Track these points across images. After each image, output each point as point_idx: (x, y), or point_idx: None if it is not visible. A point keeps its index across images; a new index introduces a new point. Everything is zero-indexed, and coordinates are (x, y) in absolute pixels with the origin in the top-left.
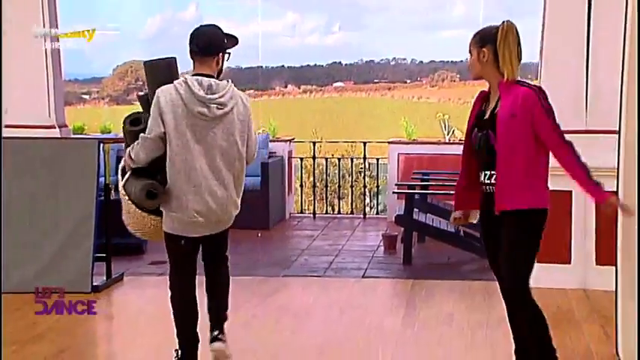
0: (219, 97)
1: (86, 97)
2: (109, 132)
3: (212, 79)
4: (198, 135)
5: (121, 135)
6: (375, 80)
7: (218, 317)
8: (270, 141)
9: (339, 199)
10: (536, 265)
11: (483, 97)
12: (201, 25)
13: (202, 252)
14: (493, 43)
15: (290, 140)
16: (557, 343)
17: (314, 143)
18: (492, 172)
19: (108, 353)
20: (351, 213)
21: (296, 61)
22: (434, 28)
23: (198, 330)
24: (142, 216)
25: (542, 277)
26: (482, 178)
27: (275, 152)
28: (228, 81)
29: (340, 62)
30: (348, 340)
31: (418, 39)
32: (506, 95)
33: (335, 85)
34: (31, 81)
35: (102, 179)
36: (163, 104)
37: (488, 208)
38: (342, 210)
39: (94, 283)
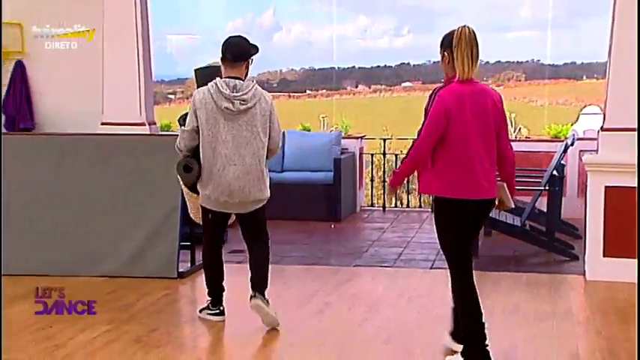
0: (243, 95)
1: (172, 96)
2: None
3: (238, 81)
4: (226, 127)
5: None
6: (442, 80)
7: (256, 285)
8: (343, 138)
9: (408, 193)
10: (604, 259)
11: None
12: (231, 37)
13: (241, 231)
14: (450, 46)
15: (361, 137)
16: (625, 337)
17: (384, 140)
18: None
19: (192, 334)
20: (420, 207)
21: (367, 63)
22: (500, 29)
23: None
24: (194, 198)
25: (611, 271)
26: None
27: (347, 149)
28: (252, 81)
29: (409, 63)
30: (416, 328)
31: (484, 40)
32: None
33: (403, 85)
34: (125, 82)
35: None
36: (197, 102)
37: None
38: (410, 204)
39: (180, 270)
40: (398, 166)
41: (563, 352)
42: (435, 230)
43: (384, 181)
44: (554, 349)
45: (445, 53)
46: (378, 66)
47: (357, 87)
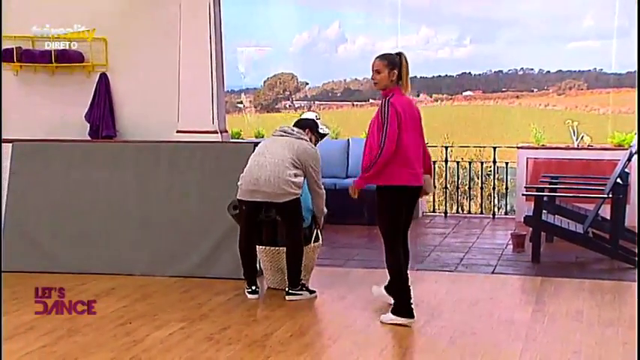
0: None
1: (240, 106)
2: (262, 137)
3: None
4: (270, 148)
5: None
6: (503, 89)
7: (288, 277)
8: None
9: (469, 199)
10: None
11: None
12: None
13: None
14: (397, 66)
15: None
16: None
17: (446, 148)
18: None
19: (262, 333)
20: (481, 213)
21: (428, 72)
22: (562, 39)
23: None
24: None
25: None
26: None
27: None
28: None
29: (470, 73)
30: (478, 331)
31: (546, 50)
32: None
33: (464, 94)
34: (199, 93)
35: None
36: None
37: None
38: (471, 210)
39: None
40: (365, 171)
41: (628, 359)
42: (378, 216)
43: (445, 188)
44: (619, 356)
45: (394, 71)
46: (439, 75)
47: (418, 96)
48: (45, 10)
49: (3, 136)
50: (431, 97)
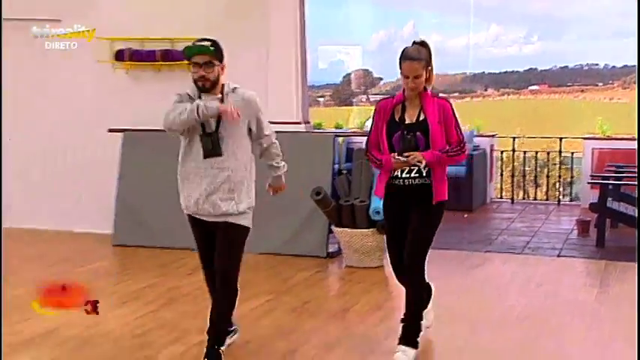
0: None
1: (320, 99)
2: (341, 128)
3: None
4: None
5: (351, 130)
6: (569, 84)
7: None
8: (475, 136)
9: (536, 187)
10: None
11: (393, 105)
12: None
13: None
14: (430, 62)
15: (492, 136)
16: None
17: (514, 138)
18: (411, 168)
19: (341, 307)
20: (546, 200)
21: (496, 68)
22: (627, 35)
23: None
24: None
25: None
26: (398, 174)
27: (479, 146)
28: None
29: (536, 68)
30: (544, 310)
31: (611, 46)
32: (429, 104)
33: (530, 88)
34: (285, 87)
35: (336, 166)
36: None
37: (405, 197)
38: (537, 197)
39: (329, 250)
40: (444, 154)
41: None
42: (428, 236)
43: (512, 176)
44: None
45: (429, 67)
46: (507, 71)
47: (486, 90)
48: (150, 19)
49: (116, 126)
50: (498, 91)
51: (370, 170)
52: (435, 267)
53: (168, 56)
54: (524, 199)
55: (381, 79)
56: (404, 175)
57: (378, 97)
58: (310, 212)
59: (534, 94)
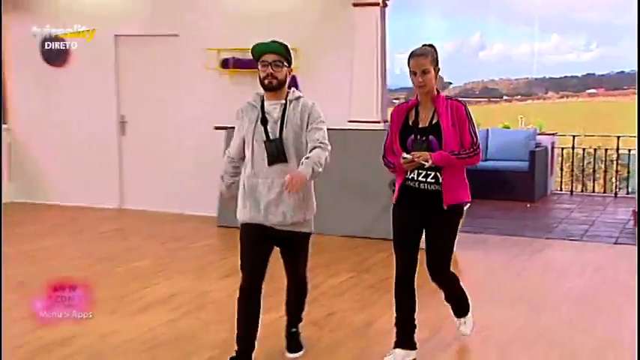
0: None
1: (395, 101)
2: None
3: None
4: None
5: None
6: (625, 87)
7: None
8: (537, 134)
9: (594, 180)
10: None
11: (407, 109)
12: None
13: None
14: (438, 64)
15: (553, 134)
16: None
17: (574, 137)
18: (429, 172)
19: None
20: (604, 192)
21: (556, 73)
22: None
23: None
24: None
25: None
26: (414, 176)
27: (540, 143)
28: None
29: (593, 73)
30: (600, 293)
31: None
32: (442, 107)
33: (588, 91)
34: (367, 90)
35: None
36: None
37: (419, 202)
38: (595, 190)
39: None
40: (454, 156)
41: None
42: (451, 239)
43: (572, 170)
44: None
45: (438, 67)
46: (566, 76)
47: (546, 93)
48: (250, 32)
49: (220, 124)
50: (558, 94)
51: None
52: (500, 251)
53: None
54: (582, 191)
55: (450, 83)
56: (420, 179)
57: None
58: (388, 201)
59: (592, 97)
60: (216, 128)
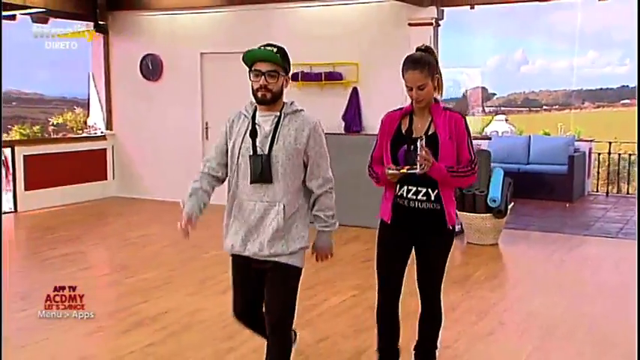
0: None
1: None
2: None
3: None
4: None
5: (474, 134)
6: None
7: None
8: (576, 141)
9: (628, 183)
10: None
11: (400, 116)
12: None
13: None
14: (437, 69)
15: (590, 140)
16: None
17: (610, 143)
18: (420, 189)
19: (464, 274)
20: (638, 193)
21: (593, 85)
22: None
23: None
24: None
25: None
26: (403, 193)
27: (578, 149)
28: None
29: (627, 85)
30: (634, 287)
31: None
32: (440, 118)
33: (622, 102)
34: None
35: None
36: None
37: (410, 222)
38: (629, 191)
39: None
40: (450, 173)
41: None
42: (442, 267)
43: (608, 173)
44: None
45: (436, 75)
46: (602, 88)
47: (583, 103)
48: (316, 48)
49: None
50: (594, 104)
51: (488, 166)
52: (541, 246)
53: (330, 76)
54: (617, 193)
55: (494, 94)
56: (410, 196)
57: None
58: None
59: (626, 107)
60: None
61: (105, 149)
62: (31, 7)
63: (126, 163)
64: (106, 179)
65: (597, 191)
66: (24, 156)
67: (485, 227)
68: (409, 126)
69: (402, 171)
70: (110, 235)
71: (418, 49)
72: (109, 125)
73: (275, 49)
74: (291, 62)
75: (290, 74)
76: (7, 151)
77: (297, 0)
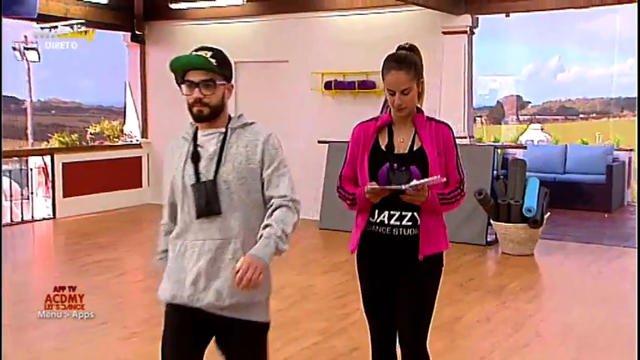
0: None
1: (478, 119)
2: (498, 142)
3: None
4: None
5: (508, 143)
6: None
7: None
8: (614, 150)
9: None
10: None
11: (376, 129)
12: None
13: None
14: (422, 74)
15: (630, 149)
16: None
17: None
18: (405, 213)
19: (499, 284)
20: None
21: (631, 93)
22: None
23: None
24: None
25: None
26: (384, 219)
27: (617, 158)
28: None
29: None
30: None
31: None
32: (425, 130)
33: None
34: (455, 108)
35: (494, 171)
36: None
37: (390, 252)
38: None
39: (487, 239)
40: (439, 200)
41: None
42: (428, 305)
43: None
44: None
45: (422, 81)
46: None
47: (622, 112)
48: (350, 58)
49: (323, 138)
50: (633, 112)
51: (523, 175)
52: (578, 257)
53: (363, 85)
54: None
55: (529, 102)
56: (393, 222)
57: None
58: (473, 208)
59: None
60: (320, 142)
61: (140, 157)
62: (71, 19)
63: (160, 171)
64: (141, 187)
65: (638, 202)
66: (63, 163)
67: (521, 237)
68: (389, 140)
69: (390, 187)
70: (144, 242)
71: (401, 48)
72: (144, 133)
73: (209, 53)
74: (325, 71)
75: (232, 81)
76: (47, 159)
77: (331, 9)
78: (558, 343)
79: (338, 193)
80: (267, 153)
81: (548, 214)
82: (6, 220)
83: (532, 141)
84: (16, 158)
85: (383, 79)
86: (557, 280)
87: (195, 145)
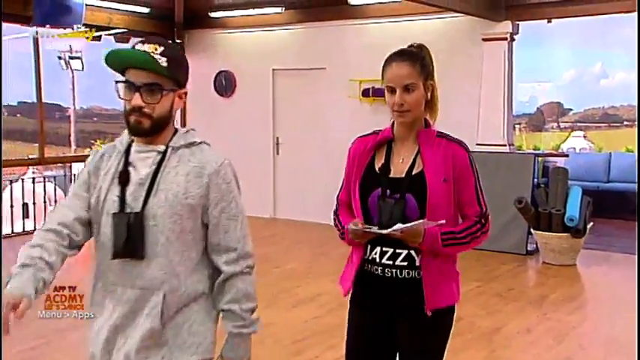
0: None
1: (517, 126)
2: (539, 149)
3: None
4: None
5: (548, 150)
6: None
7: None
8: None
9: None
10: None
11: (374, 145)
12: None
13: None
14: (432, 75)
15: None
16: None
17: None
18: (399, 251)
19: (540, 294)
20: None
21: None
22: None
23: None
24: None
25: None
26: (376, 257)
27: None
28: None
29: None
30: None
31: None
32: (430, 149)
33: None
34: (494, 115)
35: (535, 180)
36: None
37: (384, 297)
38: None
39: (528, 248)
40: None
41: None
42: (434, 351)
43: None
44: None
45: (431, 83)
46: None
47: None
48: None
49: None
50: None
51: (565, 184)
52: (622, 269)
53: None
54: None
55: (570, 109)
56: (385, 261)
57: (568, 125)
58: (513, 216)
59: None
60: None
61: None
62: (114, 28)
63: None
64: None
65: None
66: None
67: (562, 247)
68: (386, 160)
69: (371, 231)
70: None
71: (410, 47)
72: None
73: (160, 49)
74: (363, 78)
75: (186, 87)
76: None
77: (368, 17)
78: (602, 356)
79: (333, 219)
80: (214, 188)
81: (591, 223)
82: None
83: (574, 149)
84: (60, 165)
85: (383, 76)
86: (600, 291)
87: (127, 163)
